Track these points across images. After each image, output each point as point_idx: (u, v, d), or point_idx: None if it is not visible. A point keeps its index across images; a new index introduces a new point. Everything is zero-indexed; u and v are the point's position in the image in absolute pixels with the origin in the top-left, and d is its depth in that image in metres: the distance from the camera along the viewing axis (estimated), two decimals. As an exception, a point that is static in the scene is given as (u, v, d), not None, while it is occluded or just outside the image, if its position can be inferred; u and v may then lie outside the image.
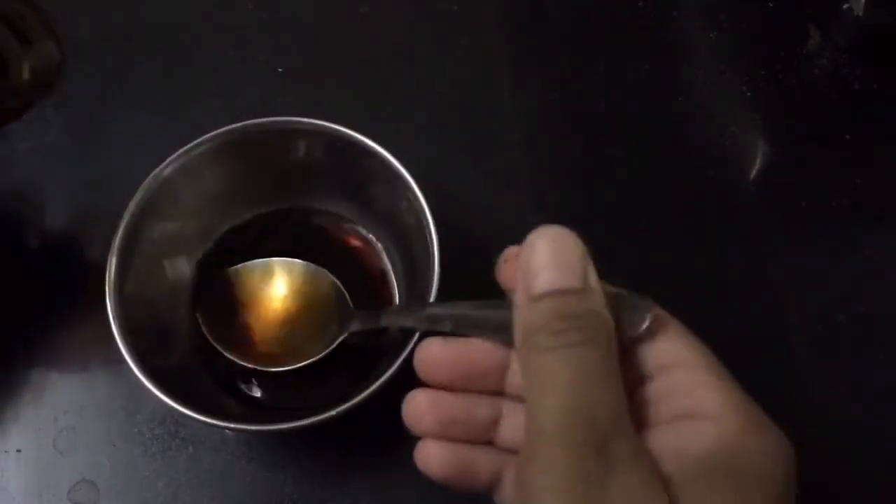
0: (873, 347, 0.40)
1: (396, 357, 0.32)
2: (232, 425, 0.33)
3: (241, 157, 0.39)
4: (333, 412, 0.32)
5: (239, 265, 0.38)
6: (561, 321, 0.22)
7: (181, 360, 0.37)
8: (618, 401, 0.22)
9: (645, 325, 0.24)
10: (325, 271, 0.38)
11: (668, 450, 0.22)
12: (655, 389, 0.24)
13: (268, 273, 0.38)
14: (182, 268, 0.39)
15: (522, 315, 0.23)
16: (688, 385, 0.23)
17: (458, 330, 0.29)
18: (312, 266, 0.38)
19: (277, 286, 0.38)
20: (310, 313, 0.38)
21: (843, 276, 0.42)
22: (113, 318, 0.34)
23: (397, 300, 0.39)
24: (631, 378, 0.24)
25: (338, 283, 0.38)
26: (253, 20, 0.50)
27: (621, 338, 0.23)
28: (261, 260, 0.38)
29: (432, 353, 0.27)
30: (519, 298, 0.24)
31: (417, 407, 0.27)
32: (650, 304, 0.24)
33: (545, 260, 0.23)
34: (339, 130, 0.37)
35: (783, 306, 0.41)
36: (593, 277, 0.24)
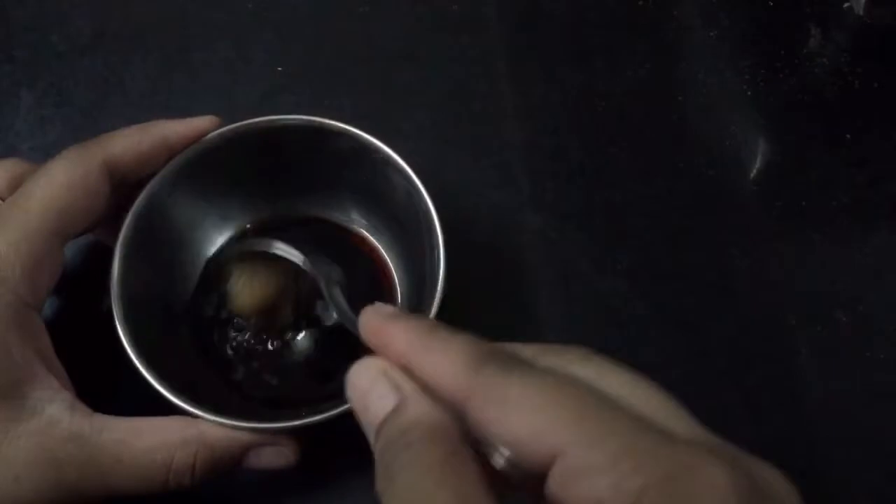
0: (873, 347, 0.40)
1: None
2: (234, 423, 0.32)
3: (240, 157, 0.38)
4: (334, 412, 0.32)
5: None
6: (388, 450, 0.21)
7: (183, 360, 0.37)
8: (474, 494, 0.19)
9: None
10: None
11: None
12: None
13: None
14: None
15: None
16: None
17: None
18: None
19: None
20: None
21: (843, 276, 0.42)
22: (118, 319, 0.33)
23: (399, 296, 0.39)
24: None
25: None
26: (253, 20, 0.50)
27: None
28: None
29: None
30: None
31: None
32: None
33: (356, 406, 0.23)
34: (340, 127, 0.37)
35: (783, 306, 0.41)
36: (407, 386, 0.22)
